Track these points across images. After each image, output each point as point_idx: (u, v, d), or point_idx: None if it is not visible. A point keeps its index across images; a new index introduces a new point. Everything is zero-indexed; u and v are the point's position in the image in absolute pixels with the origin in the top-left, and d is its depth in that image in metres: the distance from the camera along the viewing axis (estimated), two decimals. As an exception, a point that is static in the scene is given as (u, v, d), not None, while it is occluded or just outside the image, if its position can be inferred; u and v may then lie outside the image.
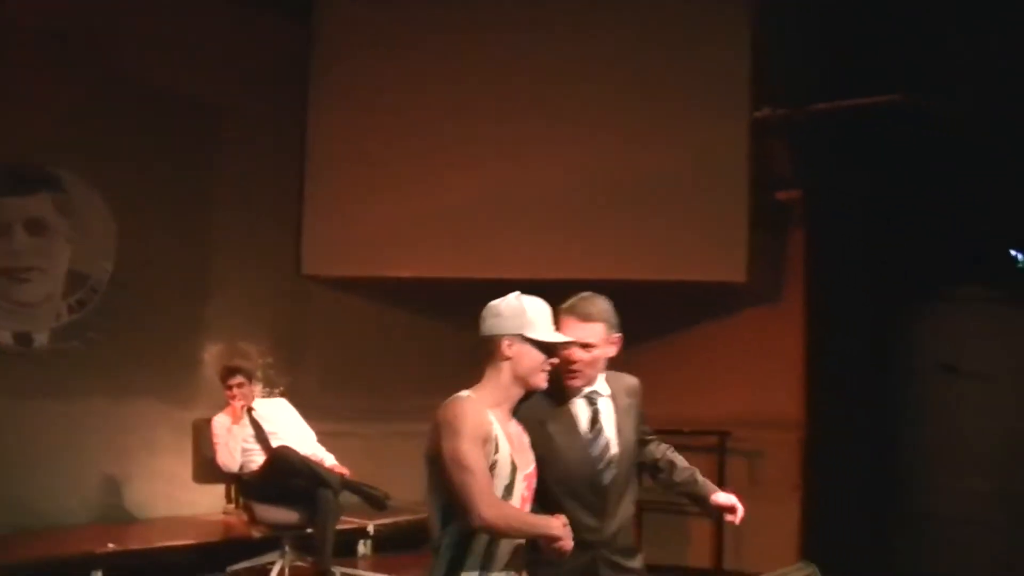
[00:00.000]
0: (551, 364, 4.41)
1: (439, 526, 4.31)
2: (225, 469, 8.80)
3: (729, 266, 10.15)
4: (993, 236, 9.80)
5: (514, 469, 4.30)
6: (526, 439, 4.49)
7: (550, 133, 10.43)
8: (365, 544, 9.89)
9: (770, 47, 10.23)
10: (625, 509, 5.00)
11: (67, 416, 9.45)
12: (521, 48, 10.60)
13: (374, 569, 9.35)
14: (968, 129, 9.37)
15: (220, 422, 8.81)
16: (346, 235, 10.82)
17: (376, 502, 8.53)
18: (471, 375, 11.76)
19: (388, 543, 9.99)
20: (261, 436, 8.71)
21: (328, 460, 8.77)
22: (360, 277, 10.92)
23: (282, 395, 9.55)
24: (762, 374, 10.40)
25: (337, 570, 8.35)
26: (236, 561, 8.75)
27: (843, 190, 10.16)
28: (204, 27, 10.34)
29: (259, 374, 9.68)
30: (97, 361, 9.71)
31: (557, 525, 4.27)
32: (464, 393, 4.36)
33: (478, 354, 4.47)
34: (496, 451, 4.24)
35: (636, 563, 5.03)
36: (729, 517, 5.07)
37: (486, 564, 4.29)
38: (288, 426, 8.92)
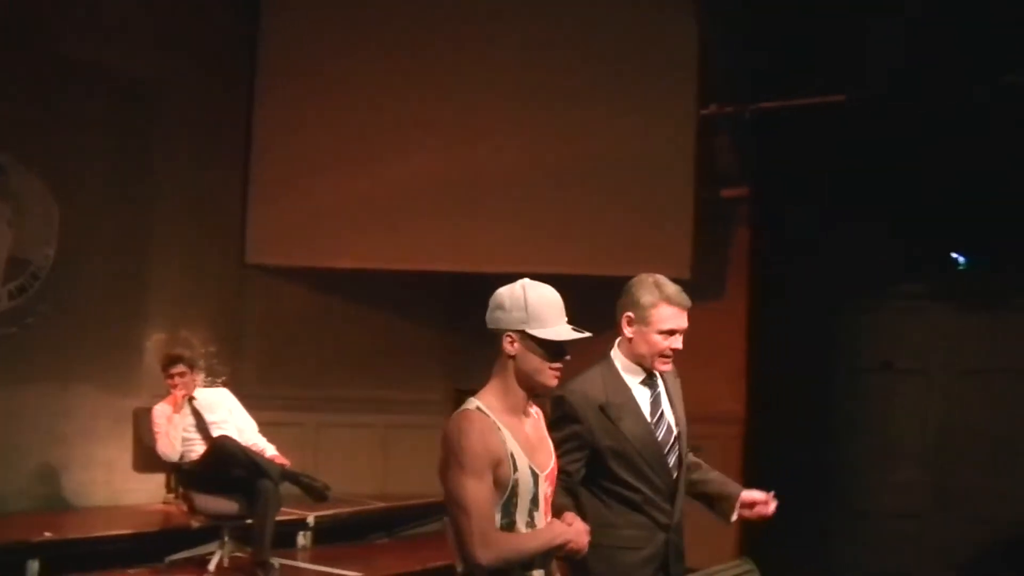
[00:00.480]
0: (557, 369, 4.03)
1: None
2: (165, 458, 8.75)
3: (674, 262, 10.16)
4: (934, 237, 9.89)
5: (535, 478, 4.02)
6: (543, 429, 4.22)
7: (495, 126, 10.43)
8: (305, 535, 9.84)
9: (718, 45, 10.27)
10: (683, 493, 4.94)
11: (6, 403, 9.37)
12: (470, 41, 10.59)
13: (314, 560, 9.32)
14: (912, 131, 9.44)
15: (161, 411, 8.76)
16: (291, 225, 10.78)
17: (316, 493, 8.49)
18: (413, 368, 11.67)
19: (328, 534, 9.95)
20: (202, 425, 8.66)
21: (269, 450, 8.74)
22: (304, 267, 10.88)
23: (224, 385, 9.49)
24: (704, 370, 10.38)
25: (276, 561, 8.30)
26: (175, 551, 8.68)
27: (788, 188, 10.22)
28: (149, 7, 10.26)
29: (201, 363, 9.62)
30: (38, 348, 9.61)
31: (560, 532, 4.08)
32: (472, 404, 4.03)
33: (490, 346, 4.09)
34: (515, 470, 3.95)
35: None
36: (760, 509, 5.00)
37: (526, 565, 4.01)
38: (229, 416, 8.87)
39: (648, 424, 4.82)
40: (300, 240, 10.77)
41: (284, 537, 9.11)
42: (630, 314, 4.87)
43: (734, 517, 5.05)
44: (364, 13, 10.73)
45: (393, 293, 11.28)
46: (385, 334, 11.41)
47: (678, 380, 5.06)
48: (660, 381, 4.95)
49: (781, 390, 10.20)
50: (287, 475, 8.46)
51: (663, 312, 4.84)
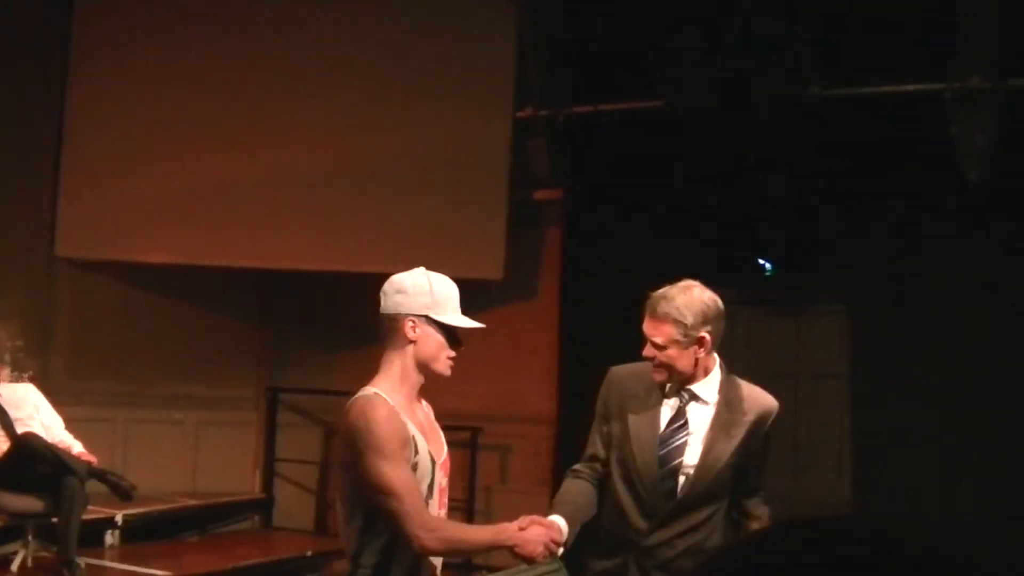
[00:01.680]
0: (452, 355, 4.10)
1: (357, 538, 3.98)
2: (-33, 456, 8.57)
3: (486, 263, 10.25)
4: (742, 243, 10.10)
5: (433, 464, 4.03)
6: (434, 419, 4.26)
7: (309, 121, 10.40)
8: (113, 534, 9.71)
9: (536, 48, 10.36)
10: (689, 525, 4.61)
11: None
12: (284, 34, 10.54)
13: (122, 559, 9.21)
14: (725, 138, 9.61)
15: (-37, 407, 8.58)
16: (102, 217, 10.61)
17: (123, 492, 8.39)
18: (224, 365, 11.58)
19: (137, 533, 9.83)
20: (6, 422, 8.49)
21: (76, 447, 8.61)
22: (116, 261, 10.71)
23: (31, 380, 9.30)
24: (516, 370, 10.53)
25: (82, 561, 8.18)
26: (-24, 551, 8.53)
27: (600, 192, 10.36)
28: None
29: (7, 357, 9.41)
30: None
31: (508, 534, 4.09)
32: (370, 390, 4.00)
33: (379, 333, 4.13)
34: (416, 452, 3.95)
35: None
36: None
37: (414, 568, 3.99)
38: (35, 412, 8.72)
39: (655, 434, 4.63)
40: (112, 234, 10.60)
41: (92, 536, 8.98)
42: None
43: None
44: (179, 8, 10.62)
45: (206, 289, 11.17)
46: (197, 330, 11.28)
47: (750, 420, 4.67)
48: (710, 404, 4.67)
49: (591, 390, 10.34)
50: (94, 473, 8.34)
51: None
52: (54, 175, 10.66)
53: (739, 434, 4.62)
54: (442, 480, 4.11)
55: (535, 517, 4.24)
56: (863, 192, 9.44)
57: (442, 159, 10.30)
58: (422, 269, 4.14)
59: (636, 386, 4.73)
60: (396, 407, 3.97)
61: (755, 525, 4.71)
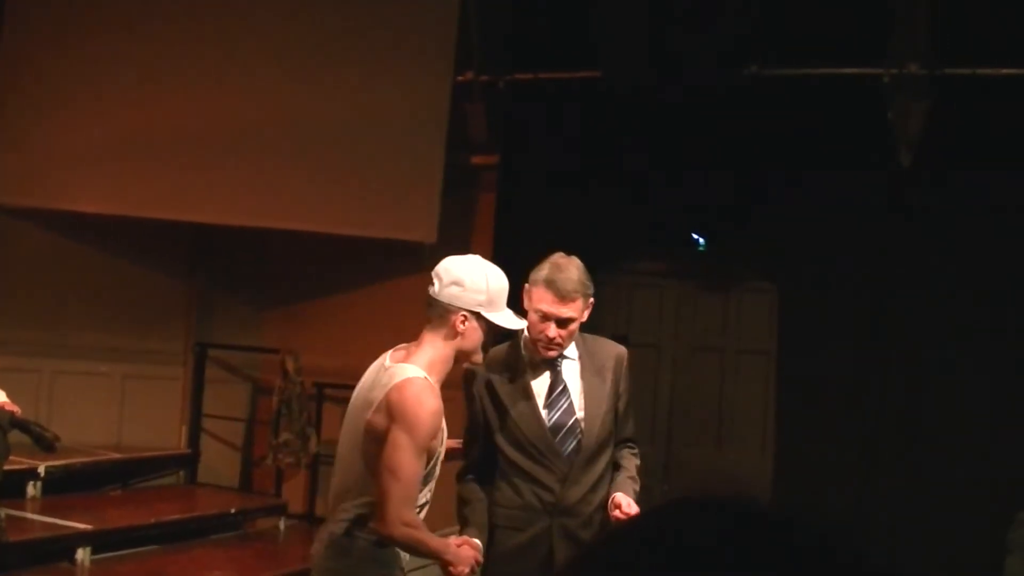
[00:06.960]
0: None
1: (363, 493, 4.12)
2: None
3: (420, 225, 10.22)
4: (676, 216, 10.16)
5: (442, 443, 4.21)
6: None
7: (246, 77, 10.30)
8: (35, 486, 9.63)
9: (478, 13, 10.33)
10: (596, 476, 4.76)
11: None
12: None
13: (44, 511, 9.15)
14: (662, 111, 9.65)
15: None
16: (32, 165, 10.49)
17: (45, 444, 8.28)
18: (153, 318, 11.53)
19: (60, 485, 9.76)
20: (-74, 370, 8.41)
21: (-1, 397, 8.54)
22: (45, 209, 10.61)
23: (-47, 328, 9.22)
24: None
25: (3, 512, 8.12)
26: None
27: (536, 160, 10.37)
28: None
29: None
30: None
31: (452, 553, 4.23)
32: (419, 373, 4.10)
33: (428, 312, 4.24)
34: (441, 443, 4.15)
35: None
36: (616, 513, 4.61)
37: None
38: (-43, 360, 8.64)
39: (537, 405, 4.73)
40: (42, 181, 10.48)
41: (13, 487, 8.89)
42: (526, 286, 4.82)
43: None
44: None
45: (136, 241, 11.07)
46: (126, 283, 11.19)
47: (610, 365, 4.88)
48: (574, 359, 4.83)
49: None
50: (16, 423, 8.24)
51: (537, 292, 4.75)
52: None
53: (608, 377, 4.85)
54: (441, 454, 4.30)
55: (466, 538, 4.45)
56: (796, 172, 9.53)
57: (379, 119, 10.25)
58: (478, 259, 4.33)
59: (497, 371, 4.83)
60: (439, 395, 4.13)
61: (624, 476, 4.85)
